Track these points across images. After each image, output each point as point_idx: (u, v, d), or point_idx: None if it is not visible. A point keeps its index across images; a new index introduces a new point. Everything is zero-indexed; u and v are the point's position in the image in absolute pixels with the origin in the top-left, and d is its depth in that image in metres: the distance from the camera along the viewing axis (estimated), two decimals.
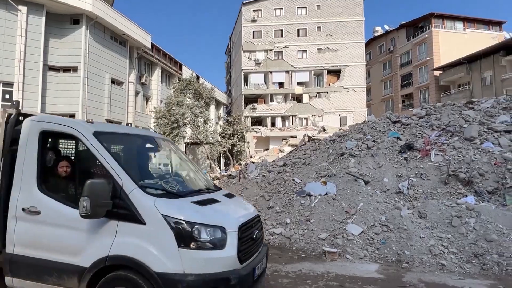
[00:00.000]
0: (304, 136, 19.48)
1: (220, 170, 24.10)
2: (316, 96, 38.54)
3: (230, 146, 27.84)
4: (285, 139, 31.78)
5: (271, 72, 38.60)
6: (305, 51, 38.52)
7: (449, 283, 5.01)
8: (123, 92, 25.05)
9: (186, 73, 33.99)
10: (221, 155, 30.21)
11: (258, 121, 39.44)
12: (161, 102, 28.89)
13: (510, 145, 8.48)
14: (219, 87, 46.74)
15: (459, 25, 39.02)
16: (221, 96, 45.61)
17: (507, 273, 5.36)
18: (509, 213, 6.65)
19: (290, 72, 38.50)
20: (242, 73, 39.08)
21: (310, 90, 38.51)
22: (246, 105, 38.48)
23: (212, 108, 35.82)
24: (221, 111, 45.97)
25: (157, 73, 30.20)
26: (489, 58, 31.87)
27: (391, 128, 11.02)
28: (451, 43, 37.38)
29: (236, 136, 28.75)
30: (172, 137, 23.32)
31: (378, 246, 6.33)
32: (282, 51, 38.66)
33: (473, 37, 37.80)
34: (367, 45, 43.78)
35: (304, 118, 38.28)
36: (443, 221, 6.73)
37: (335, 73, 38.66)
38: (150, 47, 27.76)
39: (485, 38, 37.15)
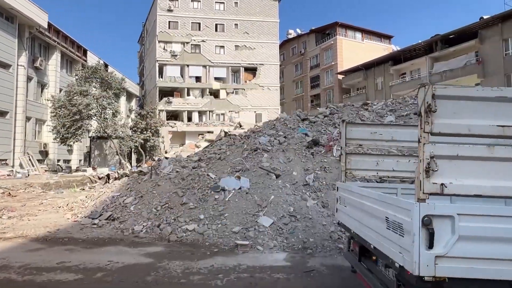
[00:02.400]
0: (220, 131, 19.52)
1: (131, 167, 22.57)
2: (233, 93, 39.03)
3: (142, 141, 26.29)
4: (201, 134, 31.39)
5: (188, 66, 37.62)
6: (223, 47, 38.61)
7: (345, 264, 5.59)
8: (10, 77, 21.41)
9: (92, 60, 30.76)
10: (133, 150, 28.36)
11: (173, 116, 38.12)
12: (60, 90, 25.59)
13: None
14: (131, 78, 43.64)
15: (358, 35, 44.00)
16: (133, 88, 42.66)
17: None
18: None
19: (207, 67, 38.12)
20: (157, 65, 37.18)
21: (227, 86, 38.80)
22: (161, 98, 36.77)
23: (123, 100, 33.25)
24: (133, 104, 43.03)
25: (55, 58, 26.60)
26: (380, 67, 36.78)
27: (300, 125, 11.81)
28: (352, 50, 41.96)
29: (149, 130, 27.27)
30: (74, 130, 20.95)
31: (286, 235, 6.73)
32: (200, 45, 38.02)
33: (369, 47, 43.12)
34: (281, 46, 46.07)
35: (221, 114, 38.41)
36: None
37: (252, 70, 39.73)
38: (46, 26, 24.25)
39: (378, 49, 42.75)
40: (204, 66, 38.10)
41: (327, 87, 43.76)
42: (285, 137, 11.03)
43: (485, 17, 27.52)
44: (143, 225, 7.58)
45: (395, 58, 35.66)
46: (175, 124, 35.55)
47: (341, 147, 4.72)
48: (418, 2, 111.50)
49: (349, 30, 43.53)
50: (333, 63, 42.57)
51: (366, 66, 38.10)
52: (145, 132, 26.83)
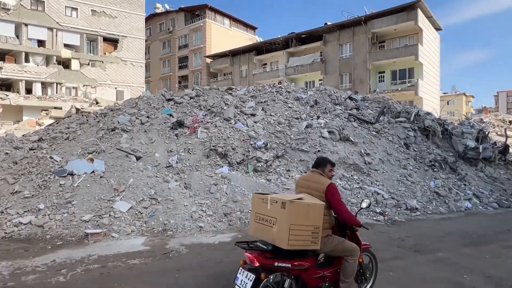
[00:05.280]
0: (71, 107, 16.84)
1: None
2: (88, 64, 34.10)
3: None
4: (46, 110, 26.39)
5: (26, 25, 30.56)
6: (76, 9, 33.00)
7: (204, 242, 5.82)
8: None
9: None
10: None
11: (5, 85, 30.59)
12: None
13: (253, 125, 10.75)
14: None
15: (226, 21, 45.17)
16: None
17: (245, 225, 6.83)
18: (249, 179, 8.48)
19: (54, 30, 31.92)
20: None
21: (81, 56, 33.59)
22: None
23: None
24: None
25: None
26: (246, 55, 39.02)
27: (165, 105, 11.38)
28: (220, 36, 42.87)
29: None
30: None
31: (146, 219, 6.46)
32: (44, 2, 31.34)
33: (236, 35, 44.99)
34: (147, 19, 42.86)
35: (73, 88, 33.16)
36: (204, 189, 7.72)
37: (113, 42, 35.55)
38: None
39: (244, 38, 45.12)
40: (50, 29, 31.75)
41: (196, 69, 43.57)
42: (148, 117, 10.43)
43: (328, 23, 32.64)
44: None
45: (258, 49, 38.42)
46: (7, 96, 28.65)
47: None
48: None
49: (218, 15, 44.16)
50: (202, 45, 42.52)
51: (233, 53, 39.72)
52: None
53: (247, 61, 38.96)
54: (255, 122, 11.01)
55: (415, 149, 11.96)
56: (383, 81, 30.13)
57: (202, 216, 6.82)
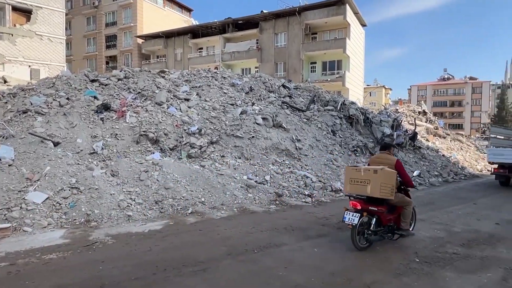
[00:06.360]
0: None
1: None
2: None
3: None
4: None
5: None
6: None
7: (133, 231, 5.56)
8: None
9: None
10: None
11: None
12: None
13: (187, 110, 10.46)
14: None
15: (160, 0, 42.63)
16: None
17: (178, 212, 6.70)
18: (182, 165, 8.28)
19: None
20: None
21: None
22: None
23: None
24: None
25: None
26: (181, 38, 37.47)
27: (88, 87, 10.41)
28: (153, 15, 40.37)
29: None
30: None
31: (66, 210, 5.92)
32: None
33: (170, 16, 42.84)
34: None
35: None
36: (133, 176, 7.33)
37: (24, 12, 31.00)
38: None
39: (179, 20, 43.20)
40: None
41: (126, 49, 40.53)
42: (68, 98, 9.45)
43: (264, 11, 32.90)
44: None
45: (194, 32, 37.14)
46: None
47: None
48: None
49: None
50: (132, 24, 39.57)
51: (167, 35, 37.81)
52: None
53: (182, 44, 37.46)
54: (189, 107, 10.73)
55: (340, 135, 12.90)
56: (315, 72, 31.65)
57: (131, 204, 6.49)
